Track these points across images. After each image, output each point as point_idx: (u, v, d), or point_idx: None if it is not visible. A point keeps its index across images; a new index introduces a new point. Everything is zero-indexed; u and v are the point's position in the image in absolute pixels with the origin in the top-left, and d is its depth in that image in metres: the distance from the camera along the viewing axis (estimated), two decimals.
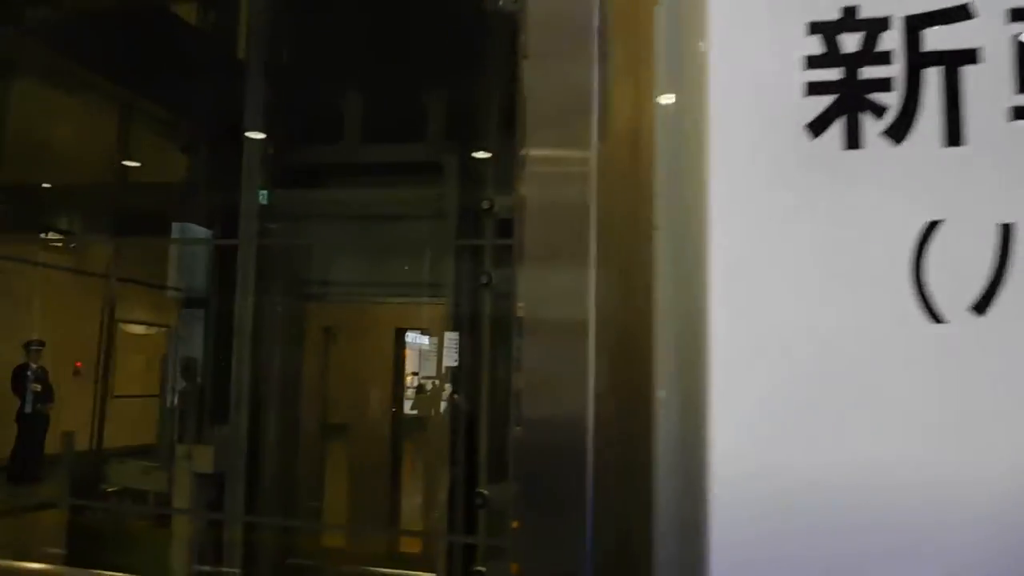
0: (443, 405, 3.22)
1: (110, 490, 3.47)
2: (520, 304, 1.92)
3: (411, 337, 4.59)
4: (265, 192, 3.25)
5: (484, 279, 2.31)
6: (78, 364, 12.43)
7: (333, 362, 3.73)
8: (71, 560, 3.34)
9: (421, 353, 5.09)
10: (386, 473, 4.23)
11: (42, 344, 10.44)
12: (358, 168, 3.40)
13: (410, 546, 3.65)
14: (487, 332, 3.00)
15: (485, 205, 2.41)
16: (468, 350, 3.14)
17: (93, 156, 4.66)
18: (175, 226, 5.50)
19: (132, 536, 3.29)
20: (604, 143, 1.57)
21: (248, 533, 3.25)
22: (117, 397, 12.95)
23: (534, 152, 1.95)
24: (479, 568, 2.36)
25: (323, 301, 3.60)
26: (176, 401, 3.76)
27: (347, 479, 4.13)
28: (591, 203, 1.87)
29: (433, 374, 4.11)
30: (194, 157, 4.03)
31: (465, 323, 3.13)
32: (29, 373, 10.36)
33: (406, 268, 3.33)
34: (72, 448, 3.31)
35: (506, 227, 2.32)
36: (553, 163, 1.91)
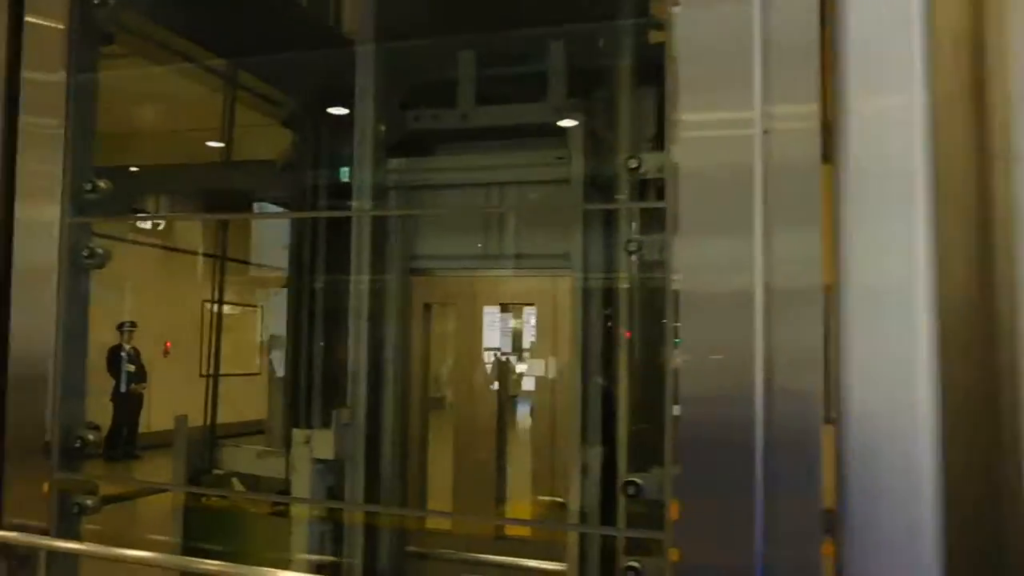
0: (571, 387, 3.00)
1: (220, 474, 3.36)
2: (676, 276, 1.63)
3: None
4: (375, 163, 3.06)
5: (632, 246, 2.05)
6: (167, 344, 12.71)
7: (439, 341, 3.57)
8: (186, 549, 3.26)
9: (533, 328, 4.87)
10: (503, 459, 4.06)
11: (134, 325, 10.64)
12: (473, 133, 3.19)
13: (536, 534, 3.45)
14: (625, 305, 2.76)
15: (632, 164, 2.15)
16: (599, 325, 2.92)
17: (192, 133, 4.57)
18: (256, 206, 5.40)
19: (248, 524, 3.17)
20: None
21: (366, 518, 3.10)
22: (204, 376, 13.18)
23: (688, 115, 1.66)
24: (632, 564, 2.12)
25: (430, 275, 3.41)
26: (285, 383, 3.63)
27: (461, 464, 3.97)
28: (756, 166, 1.58)
29: (547, 351, 3.90)
30: (297, 131, 3.88)
31: (596, 295, 2.90)
32: (123, 354, 10.60)
33: (526, 238, 3.10)
34: (185, 430, 3.20)
35: (643, 190, 2.01)
36: (715, 126, 1.62)
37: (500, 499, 4.61)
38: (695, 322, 1.95)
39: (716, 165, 1.94)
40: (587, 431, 2.91)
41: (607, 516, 2.89)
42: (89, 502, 3.00)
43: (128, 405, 10.65)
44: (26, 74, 2.99)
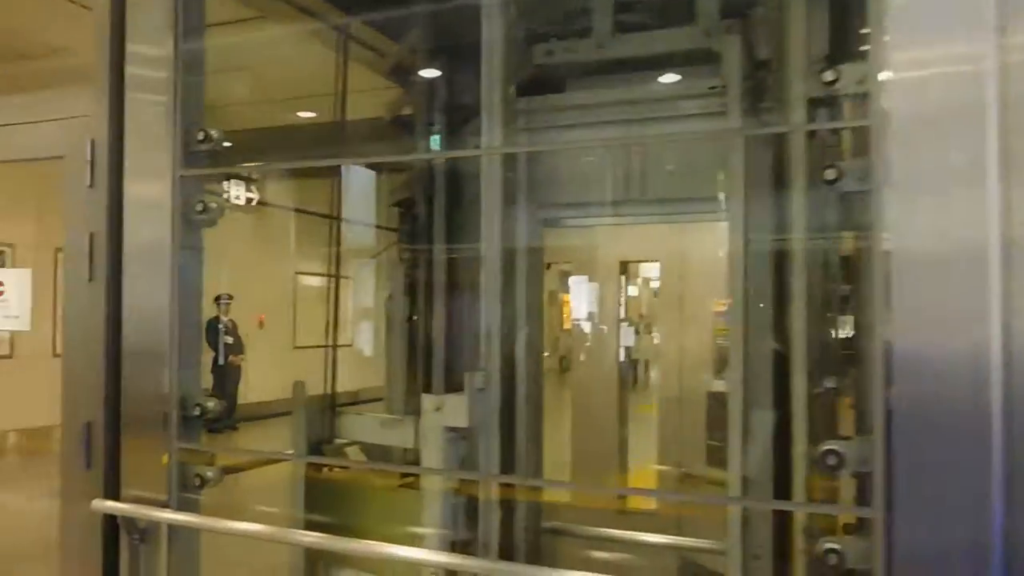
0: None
1: (342, 444, 3.15)
2: (887, 235, 1.30)
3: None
4: (504, 103, 2.75)
5: (831, 174, 1.69)
6: (261, 317, 12.81)
7: (571, 299, 3.28)
8: (308, 524, 3.07)
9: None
10: (641, 428, 3.77)
11: (231, 298, 10.71)
12: (610, 65, 2.86)
13: (690, 510, 3.14)
14: (800, 255, 2.41)
15: (828, 77, 1.79)
16: (763, 277, 2.58)
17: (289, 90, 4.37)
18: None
19: (374, 497, 2.96)
20: None
21: (502, 492, 2.85)
22: (299, 348, 13.33)
23: (901, 48, 1.31)
24: (832, 547, 1.79)
25: (561, 228, 3.11)
26: (405, 348, 3.40)
27: (592, 433, 3.69)
28: (990, 105, 1.24)
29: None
30: (406, 81, 3.62)
31: (760, 244, 2.56)
32: (220, 326, 10.68)
33: (672, 182, 2.77)
34: (304, 398, 2.99)
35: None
36: (936, 62, 1.28)
37: (641, 471, 4.33)
38: (911, 285, 1.68)
39: (938, 107, 1.65)
40: (753, 399, 2.58)
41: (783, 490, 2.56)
42: (210, 473, 2.82)
43: (227, 377, 10.77)
44: (131, 45, 2.82)
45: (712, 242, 3.43)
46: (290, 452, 3.14)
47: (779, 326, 2.55)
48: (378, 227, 3.97)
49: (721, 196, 2.66)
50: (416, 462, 3.05)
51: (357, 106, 4.32)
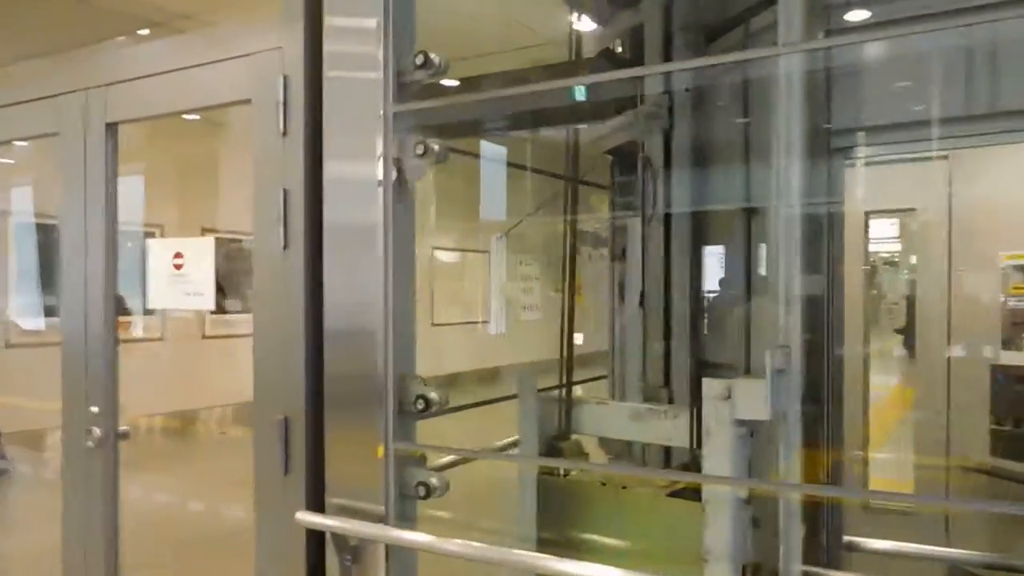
0: None
1: (578, 440, 2.59)
2: None
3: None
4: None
5: None
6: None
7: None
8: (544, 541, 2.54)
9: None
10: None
11: None
12: None
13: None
14: None
15: None
16: None
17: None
18: None
19: (633, 506, 2.38)
20: None
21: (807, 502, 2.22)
22: (437, 325, 12.96)
23: None
24: None
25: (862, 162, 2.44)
26: (640, 325, 2.81)
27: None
28: None
29: None
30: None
31: None
32: None
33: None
34: (534, 383, 2.45)
35: None
36: None
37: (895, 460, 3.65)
38: None
39: None
40: None
41: None
42: (435, 480, 2.32)
43: None
44: None
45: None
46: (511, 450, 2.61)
47: None
48: (583, 183, 3.36)
49: None
50: (669, 461, 2.47)
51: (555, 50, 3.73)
